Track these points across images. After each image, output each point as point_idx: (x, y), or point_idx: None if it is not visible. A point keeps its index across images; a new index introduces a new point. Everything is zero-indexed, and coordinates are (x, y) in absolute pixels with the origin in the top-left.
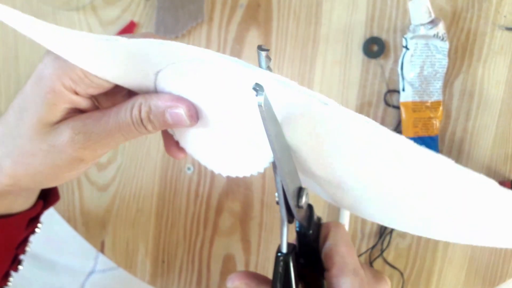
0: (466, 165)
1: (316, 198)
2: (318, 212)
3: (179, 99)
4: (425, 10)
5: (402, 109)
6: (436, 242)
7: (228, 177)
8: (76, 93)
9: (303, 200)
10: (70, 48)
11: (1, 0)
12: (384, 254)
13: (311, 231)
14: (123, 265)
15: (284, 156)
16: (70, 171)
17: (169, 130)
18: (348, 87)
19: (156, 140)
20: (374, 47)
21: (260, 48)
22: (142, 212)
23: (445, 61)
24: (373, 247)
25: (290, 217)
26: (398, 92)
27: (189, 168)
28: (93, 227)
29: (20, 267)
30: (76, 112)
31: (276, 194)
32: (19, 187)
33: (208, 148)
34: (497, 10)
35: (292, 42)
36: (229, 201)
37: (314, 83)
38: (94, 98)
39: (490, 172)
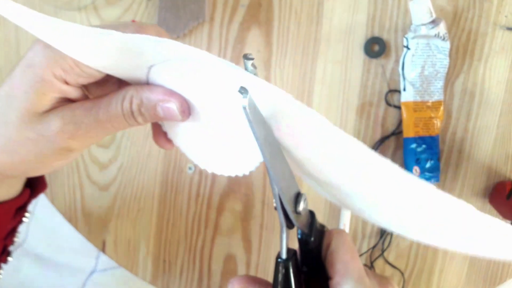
0: (467, 165)
1: (315, 200)
2: (318, 214)
3: (172, 93)
4: (426, 10)
5: (403, 108)
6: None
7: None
8: (66, 83)
9: (301, 206)
10: (62, 38)
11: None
12: (385, 254)
13: (312, 238)
14: (124, 265)
15: (276, 159)
16: (57, 160)
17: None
18: (349, 87)
19: None
20: (375, 47)
21: (245, 57)
22: (144, 211)
23: (446, 61)
24: (373, 247)
25: (289, 222)
26: (399, 92)
27: (190, 168)
28: (94, 227)
29: (9, 258)
30: (66, 101)
31: (274, 200)
32: (3, 175)
33: (197, 143)
34: (498, 10)
35: (293, 42)
36: (230, 201)
37: (315, 83)
38: (84, 87)
39: (491, 172)
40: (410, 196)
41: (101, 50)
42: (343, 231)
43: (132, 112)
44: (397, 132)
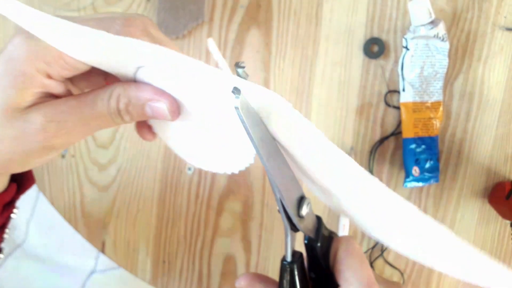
0: (466, 165)
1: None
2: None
3: (162, 92)
4: (426, 11)
5: (403, 109)
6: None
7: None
8: (50, 77)
9: (304, 210)
10: (54, 34)
11: None
12: (384, 254)
13: (319, 244)
14: (124, 265)
15: (274, 161)
16: (39, 157)
17: None
18: (349, 88)
19: (156, 140)
20: (375, 48)
21: (237, 65)
22: (143, 212)
23: (445, 62)
24: (373, 247)
25: (293, 225)
26: (399, 92)
27: (189, 169)
28: (94, 227)
29: (0, 255)
30: (49, 97)
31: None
32: None
33: (186, 140)
34: (497, 10)
35: (292, 43)
36: (230, 201)
37: (315, 84)
38: (68, 80)
39: (490, 172)
40: (394, 214)
41: (89, 46)
42: (351, 238)
43: (119, 111)
44: (397, 132)
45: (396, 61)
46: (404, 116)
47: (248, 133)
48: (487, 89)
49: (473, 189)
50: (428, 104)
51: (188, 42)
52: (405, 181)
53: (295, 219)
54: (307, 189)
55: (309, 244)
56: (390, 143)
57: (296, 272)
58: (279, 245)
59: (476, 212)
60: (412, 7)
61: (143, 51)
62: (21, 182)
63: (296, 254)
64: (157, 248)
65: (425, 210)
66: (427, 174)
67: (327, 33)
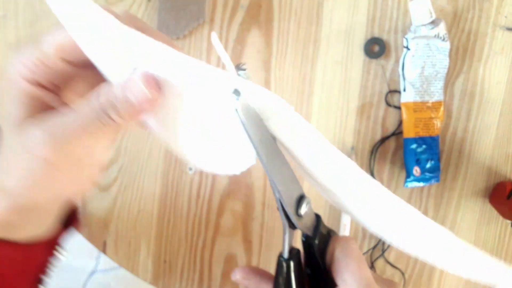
0: (467, 165)
1: (316, 199)
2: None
3: (134, 74)
4: (426, 11)
5: (403, 109)
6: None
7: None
8: (39, 84)
9: (303, 209)
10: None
11: (4, 0)
12: (385, 254)
13: (316, 241)
14: (125, 265)
15: (274, 161)
16: (46, 179)
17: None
18: (349, 88)
19: (157, 141)
20: (375, 48)
21: (238, 67)
22: (144, 212)
23: (446, 62)
24: (374, 247)
25: (291, 223)
26: (399, 92)
27: (190, 169)
28: (95, 227)
29: (41, 287)
30: (46, 108)
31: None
32: (23, 208)
33: (185, 141)
34: (498, 10)
35: (293, 43)
36: (231, 201)
37: (315, 84)
38: (57, 89)
39: (491, 172)
40: (395, 214)
41: (96, 29)
42: (350, 238)
43: (103, 108)
44: (397, 132)
45: (397, 61)
46: (405, 116)
47: (248, 134)
48: (487, 89)
49: (474, 189)
50: (429, 104)
51: (189, 42)
52: (406, 181)
53: (293, 218)
54: (309, 186)
55: (307, 242)
56: (391, 143)
57: (292, 269)
58: (280, 245)
59: (477, 212)
60: (413, 7)
61: (144, 46)
62: (68, 223)
63: (293, 251)
64: (158, 248)
65: (426, 210)
66: (428, 174)
67: (328, 33)
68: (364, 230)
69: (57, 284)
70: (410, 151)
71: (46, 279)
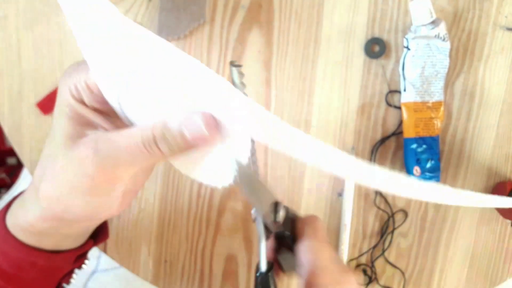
0: (467, 165)
1: (317, 199)
2: (319, 214)
3: (195, 112)
4: (426, 11)
5: (404, 109)
6: (438, 242)
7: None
8: (85, 104)
9: (280, 215)
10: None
11: (4, 1)
12: (386, 253)
13: (287, 232)
14: (125, 265)
15: (253, 190)
16: (88, 194)
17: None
18: (350, 88)
19: None
20: (376, 48)
21: (232, 64)
22: (145, 212)
23: (446, 62)
24: (374, 247)
25: (268, 232)
26: (400, 92)
27: None
28: None
29: None
30: (98, 129)
31: (252, 211)
32: (57, 218)
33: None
34: (498, 10)
35: (293, 43)
36: (231, 201)
37: (316, 84)
38: (104, 111)
39: (491, 172)
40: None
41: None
42: (315, 218)
43: (154, 138)
44: (398, 132)
45: (397, 61)
46: (405, 116)
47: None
48: (488, 89)
49: (474, 188)
50: (429, 104)
51: (190, 42)
52: None
53: (271, 226)
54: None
55: (278, 234)
56: (391, 143)
57: (271, 282)
58: None
59: (477, 212)
60: (413, 7)
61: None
62: (96, 236)
63: (268, 264)
64: (159, 248)
65: (426, 210)
66: (428, 174)
67: (328, 33)
68: (365, 230)
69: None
70: (411, 151)
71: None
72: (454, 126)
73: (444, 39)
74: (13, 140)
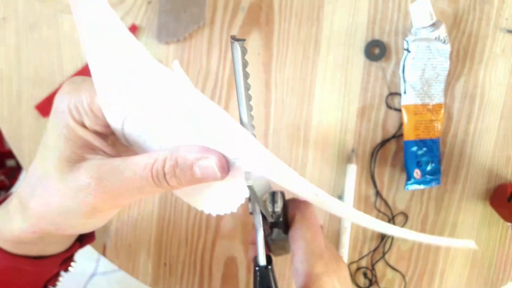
0: (467, 167)
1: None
2: (320, 214)
3: (209, 150)
4: (427, 13)
5: (404, 111)
6: (438, 245)
7: None
8: (87, 128)
9: (279, 205)
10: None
11: (3, 1)
12: (386, 256)
13: (281, 219)
14: (125, 268)
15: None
16: (85, 218)
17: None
18: (350, 90)
19: None
20: (376, 50)
21: (233, 38)
22: (144, 215)
23: (446, 64)
24: (374, 250)
25: (265, 224)
26: (400, 94)
27: None
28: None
29: None
30: (98, 152)
31: (249, 205)
32: (45, 232)
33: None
34: (499, 12)
35: (293, 45)
36: None
37: (316, 86)
38: (105, 135)
39: (492, 175)
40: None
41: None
42: (307, 204)
43: (164, 174)
44: (398, 135)
45: (397, 64)
46: (405, 118)
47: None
48: (488, 91)
49: (474, 191)
50: (430, 107)
51: (189, 45)
52: (406, 184)
53: (269, 217)
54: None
55: (273, 222)
56: (392, 146)
57: (271, 275)
58: None
59: (478, 214)
60: (414, 9)
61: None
62: (82, 238)
63: (266, 258)
64: (158, 251)
65: (426, 213)
66: (428, 177)
67: (328, 35)
68: (365, 233)
69: (57, 287)
70: (411, 153)
71: None
72: (454, 129)
73: (444, 42)
74: (12, 142)
